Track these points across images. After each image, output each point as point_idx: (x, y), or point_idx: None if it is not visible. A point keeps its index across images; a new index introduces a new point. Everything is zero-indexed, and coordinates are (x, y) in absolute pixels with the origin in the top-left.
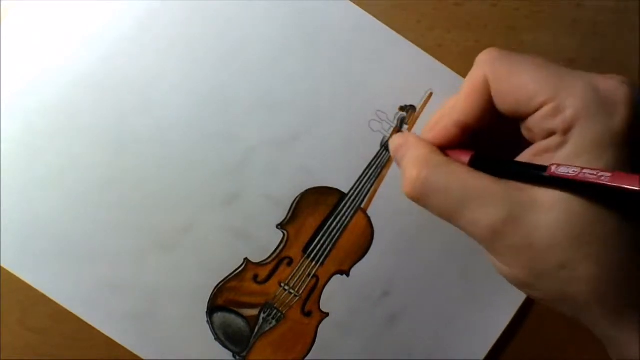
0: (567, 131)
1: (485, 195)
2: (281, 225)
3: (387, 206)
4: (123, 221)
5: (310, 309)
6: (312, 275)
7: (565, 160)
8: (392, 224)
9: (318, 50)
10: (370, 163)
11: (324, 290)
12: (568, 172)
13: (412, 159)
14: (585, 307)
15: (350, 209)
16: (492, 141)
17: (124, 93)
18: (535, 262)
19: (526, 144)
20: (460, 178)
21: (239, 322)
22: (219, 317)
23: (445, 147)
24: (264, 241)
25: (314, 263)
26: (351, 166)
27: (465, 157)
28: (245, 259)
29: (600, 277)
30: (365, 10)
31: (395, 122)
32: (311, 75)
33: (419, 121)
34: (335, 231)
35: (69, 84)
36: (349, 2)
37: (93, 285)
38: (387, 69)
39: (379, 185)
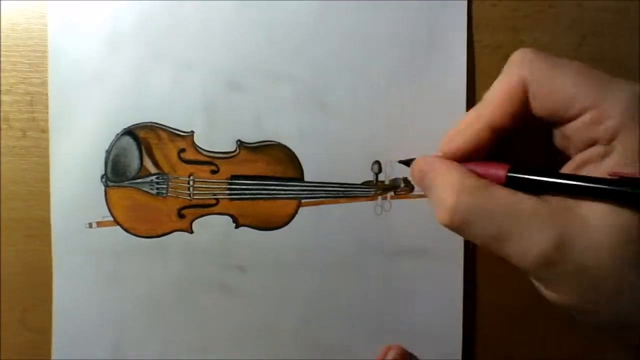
0: (610, 140)
1: (532, 219)
2: (240, 142)
3: (316, 219)
4: None
5: (186, 215)
6: (215, 196)
7: (610, 172)
8: (313, 237)
9: None
10: (349, 185)
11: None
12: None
13: (445, 186)
14: None
15: (293, 193)
16: (520, 151)
17: None
18: (589, 289)
19: (556, 153)
20: (502, 202)
21: (133, 148)
22: (123, 139)
23: (473, 159)
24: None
25: (227, 192)
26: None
27: (500, 171)
28: (192, 132)
29: None
30: None
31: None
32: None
33: None
34: (264, 192)
35: None
36: None
37: None
38: None
39: (330, 202)
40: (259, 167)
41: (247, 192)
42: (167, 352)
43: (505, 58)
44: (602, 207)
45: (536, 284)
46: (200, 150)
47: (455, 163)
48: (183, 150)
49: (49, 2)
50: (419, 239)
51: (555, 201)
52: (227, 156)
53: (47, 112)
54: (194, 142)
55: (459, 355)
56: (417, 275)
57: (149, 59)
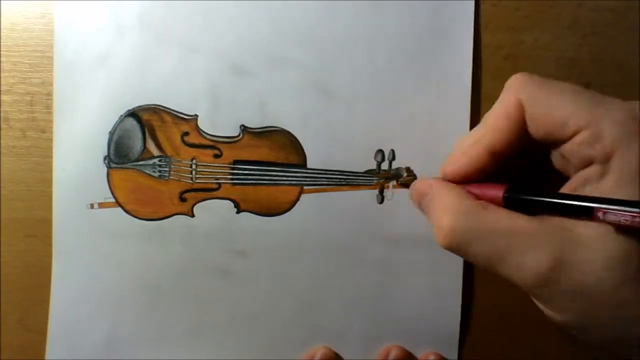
0: (606, 160)
1: (528, 239)
2: (244, 127)
3: (318, 206)
4: None
5: (187, 199)
6: (218, 181)
7: (608, 192)
8: (314, 224)
9: None
10: (351, 173)
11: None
12: (619, 221)
13: (442, 208)
14: None
15: (295, 179)
16: (520, 172)
17: None
18: (589, 306)
19: (556, 175)
20: (498, 223)
21: (137, 130)
22: (126, 121)
23: (474, 181)
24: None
25: (230, 176)
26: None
27: (498, 192)
28: (196, 115)
29: None
30: None
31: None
32: None
33: None
34: (267, 178)
35: None
36: None
37: None
38: None
39: (332, 189)
40: (262, 152)
41: (249, 177)
42: (165, 336)
43: (505, 58)
44: (600, 226)
45: (536, 302)
46: (203, 134)
47: (453, 185)
48: (186, 133)
49: None
50: (420, 229)
51: (552, 221)
52: (230, 141)
53: (47, 112)
54: (197, 126)
55: (456, 344)
56: (417, 264)
57: (154, 41)
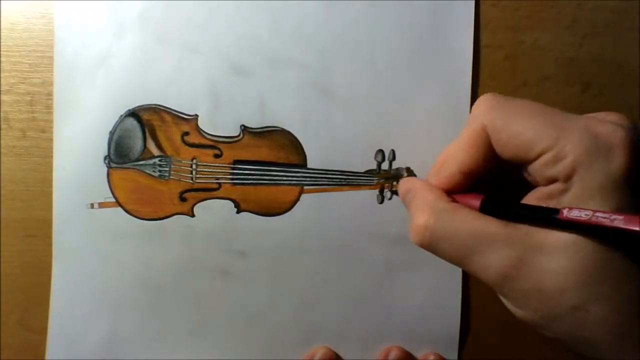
0: (568, 178)
1: (494, 240)
2: (244, 127)
3: (318, 206)
4: None
5: (187, 199)
6: (218, 181)
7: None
8: (314, 224)
9: None
10: (351, 173)
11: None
12: (580, 216)
13: (419, 206)
14: (602, 347)
15: (295, 179)
16: (497, 183)
17: None
18: (546, 306)
19: (530, 185)
20: (468, 224)
21: (137, 130)
22: (126, 121)
23: (453, 192)
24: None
25: (230, 176)
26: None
27: (475, 201)
28: (196, 115)
29: (614, 317)
30: None
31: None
32: None
33: None
34: (267, 178)
35: None
36: None
37: None
38: None
39: (332, 189)
40: (262, 152)
41: (249, 177)
42: (165, 336)
43: (505, 58)
44: (561, 234)
45: (501, 298)
46: (204, 134)
47: (433, 186)
48: (187, 133)
49: None
50: None
51: (518, 227)
52: (230, 140)
53: (47, 112)
54: (197, 126)
55: (456, 344)
56: (417, 264)
57: (154, 41)
